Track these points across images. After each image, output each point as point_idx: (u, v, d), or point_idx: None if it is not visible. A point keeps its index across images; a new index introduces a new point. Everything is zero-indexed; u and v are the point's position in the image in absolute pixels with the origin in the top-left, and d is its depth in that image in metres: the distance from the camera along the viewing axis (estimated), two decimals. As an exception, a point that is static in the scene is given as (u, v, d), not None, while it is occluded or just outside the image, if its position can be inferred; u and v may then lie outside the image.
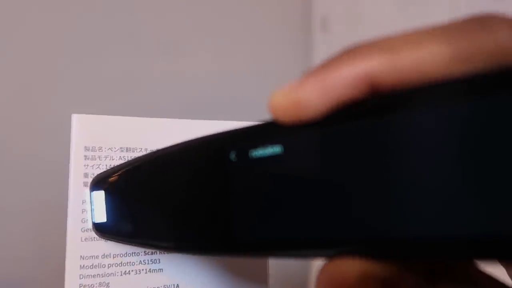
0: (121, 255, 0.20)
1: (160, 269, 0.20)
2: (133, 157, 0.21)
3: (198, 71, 0.51)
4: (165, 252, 0.21)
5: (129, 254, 0.20)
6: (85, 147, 0.20)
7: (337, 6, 0.57)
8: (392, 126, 0.10)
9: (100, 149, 0.20)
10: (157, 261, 0.20)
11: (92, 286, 0.19)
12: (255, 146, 0.12)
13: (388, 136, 0.10)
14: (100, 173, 0.20)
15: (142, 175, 0.18)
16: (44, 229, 0.40)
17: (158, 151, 0.17)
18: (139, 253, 0.20)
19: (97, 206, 0.20)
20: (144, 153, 0.21)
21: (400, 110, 0.10)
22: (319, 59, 0.58)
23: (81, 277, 0.19)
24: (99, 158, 0.20)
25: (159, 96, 0.48)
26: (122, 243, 0.20)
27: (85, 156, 0.20)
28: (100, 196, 0.20)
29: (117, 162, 0.21)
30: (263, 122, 0.13)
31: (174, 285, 0.21)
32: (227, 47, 0.54)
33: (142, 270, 0.20)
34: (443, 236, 0.09)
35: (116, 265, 0.20)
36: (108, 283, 0.19)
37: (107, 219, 0.19)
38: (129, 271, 0.20)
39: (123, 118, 0.21)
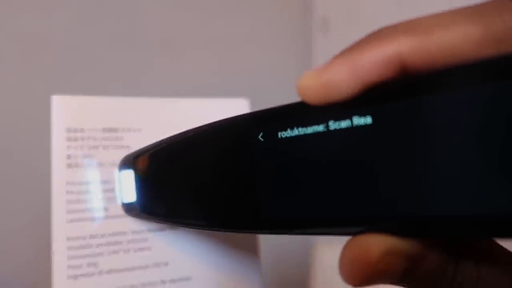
0: (109, 235, 0.20)
1: (148, 248, 0.21)
2: (116, 137, 0.21)
3: (197, 71, 0.50)
4: (154, 232, 0.21)
5: (117, 234, 0.20)
6: (67, 128, 0.20)
7: (337, 6, 0.56)
8: (423, 108, 0.10)
9: (82, 130, 0.20)
10: (145, 240, 0.21)
11: (81, 266, 0.19)
12: (284, 127, 0.12)
13: (418, 118, 0.10)
14: (128, 154, 0.20)
15: (172, 155, 0.18)
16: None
17: (187, 131, 0.17)
18: (126, 232, 0.20)
19: (125, 185, 0.20)
20: (127, 133, 0.21)
21: (431, 91, 0.10)
22: (319, 59, 0.58)
23: (69, 258, 0.19)
24: (82, 139, 0.20)
25: (157, 95, 0.48)
26: (152, 221, 0.20)
27: (67, 137, 0.20)
28: (129, 175, 0.20)
29: (100, 142, 0.20)
30: (291, 104, 0.13)
31: (163, 262, 0.21)
32: (227, 47, 0.53)
33: (131, 249, 0.20)
34: (466, 215, 0.09)
35: (104, 245, 0.20)
36: (97, 262, 0.20)
37: (136, 199, 0.19)
38: (117, 250, 0.20)
39: (104, 98, 0.21)
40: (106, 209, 0.20)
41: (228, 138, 0.15)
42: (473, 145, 0.09)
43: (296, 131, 0.12)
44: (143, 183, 0.19)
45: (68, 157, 0.20)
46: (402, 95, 0.10)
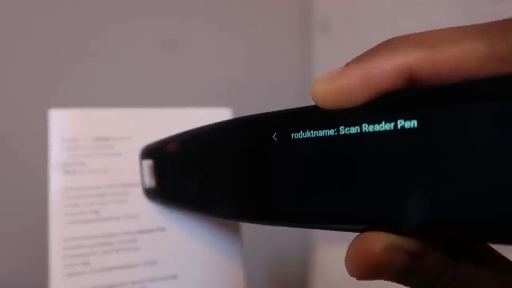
0: (100, 236, 0.22)
1: (137, 248, 0.22)
2: (107, 146, 0.23)
3: (197, 72, 0.51)
4: (143, 233, 0.22)
5: (107, 235, 0.22)
6: (63, 139, 0.22)
7: (337, 6, 0.56)
8: (436, 119, 0.10)
9: (77, 140, 0.22)
10: (135, 241, 0.22)
11: (75, 265, 0.21)
12: (296, 129, 0.13)
13: (430, 128, 0.10)
14: (150, 143, 0.22)
15: (191, 147, 0.19)
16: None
17: (207, 125, 0.18)
18: (116, 234, 0.22)
19: (147, 173, 0.22)
20: (118, 141, 0.23)
21: (441, 105, 0.10)
22: (319, 60, 0.57)
23: (65, 257, 0.21)
24: (76, 148, 0.22)
25: (158, 96, 0.49)
26: (169, 207, 0.22)
27: (64, 147, 0.22)
28: (151, 163, 0.22)
29: (93, 151, 0.22)
30: (305, 107, 0.14)
31: (151, 261, 0.22)
32: (227, 47, 0.53)
33: (121, 249, 0.22)
34: (467, 219, 0.10)
35: (96, 245, 0.22)
36: (89, 261, 0.21)
37: (156, 186, 0.21)
38: (108, 250, 0.22)
39: (95, 110, 0.23)
40: (96, 212, 0.22)
41: (246, 134, 0.16)
42: (474, 157, 0.10)
43: (308, 133, 0.13)
44: (161, 171, 0.21)
45: (65, 164, 0.22)
46: (413, 105, 0.11)
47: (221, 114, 0.24)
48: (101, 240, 0.22)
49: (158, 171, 0.21)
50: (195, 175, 0.19)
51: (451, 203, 0.10)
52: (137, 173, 0.23)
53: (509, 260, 0.13)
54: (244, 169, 0.16)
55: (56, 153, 0.22)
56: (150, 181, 0.22)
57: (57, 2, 0.44)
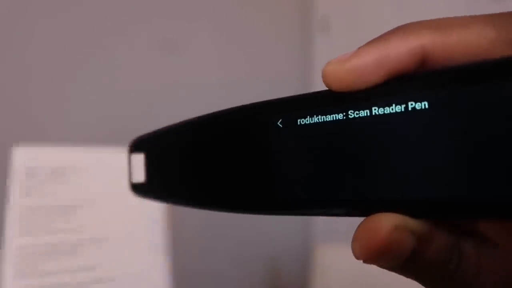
0: (49, 245, 0.27)
1: (80, 254, 0.29)
2: (61, 177, 0.28)
3: (197, 72, 0.50)
4: (85, 241, 0.27)
5: (55, 244, 0.27)
6: (26, 167, 0.28)
7: (337, 6, 0.57)
8: (449, 100, 0.10)
9: (37, 169, 0.28)
10: (76, 248, 0.29)
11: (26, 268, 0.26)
12: (303, 114, 0.13)
13: (443, 109, 0.10)
14: (140, 136, 0.21)
15: (187, 137, 0.18)
16: None
17: (205, 115, 0.18)
18: (60, 243, 0.27)
19: (135, 167, 0.20)
20: (69, 172, 0.29)
21: (454, 85, 0.10)
22: (320, 59, 0.58)
23: (16, 263, 0.25)
24: (37, 175, 0.28)
25: (158, 97, 0.48)
26: (161, 202, 0.21)
27: (27, 174, 0.28)
28: (139, 158, 0.20)
29: (48, 182, 0.28)
30: (312, 93, 0.13)
31: (91, 267, 0.28)
32: (227, 47, 0.53)
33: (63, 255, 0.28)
34: (471, 198, 0.10)
35: (44, 253, 0.27)
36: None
37: (146, 180, 0.20)
38: (54, 257, 0.27)
39: (52, 148, 0.29)
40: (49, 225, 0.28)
41: (247, 122, 0.15)
42: (483, 138, 0.10)
43: (316, 119, 0.13)
44: (154, 164, 0.20)
45: (27, 188, 0.28)
46: (424, 86, 0.11)
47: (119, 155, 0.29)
48: (47, 248, 0.26)
49: (151, 165, 0.20)
50: (194, 166, 0.18)
51: (463, 183, 0.10)
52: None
53: None
54: (248, 158, 0.15)
55: (20, 178, 0.28)
56: (139, 176, 0.20)
57: (57, 1, 0.43)
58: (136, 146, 0.21)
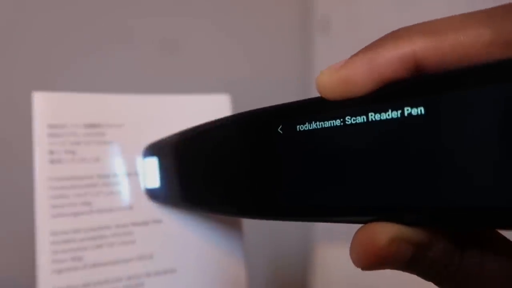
0: (93, 229, 0.20)
1: (132, 241, 0.21)
2: (98, 133, 0.21)
3: (197, 72, 0.51)
4: (138, 225, 0.21)
5: (101, 228, 0.20)
6: (49, 124, 0.20)
7: (337, 6, 0.57)
8: (441, 105, 0.10)
9: (64, 126, 0.20)
10: (130, 234, 0.21)
11: (65, 260, 0.19)
12: (302, 121, 0.13)
13: (436, 115, 0.10)
14: (154, 141, 0.21)
15: (196, 144, 0.19)
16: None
17: (212, 121, 0.18)
18: (110, 226, 0.20)
19: (149, 172, 0.21)
20: (109, 128, 0.21)
21: (446, 90, 0.10)
22: (320, 59, 0.58)
23: (53, 253, 0.19)
24: (64, 135, 0.20)
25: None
26: (173, 206, 0.21)
27: (49, 133, 0.20)
28: (152, 162, 0.21)
29: (82, 138, 0.21)
30: (310, 99, 0.13)
31: (147, 255, 0.21)
32: (227, 47, 0.53)
33: (115, 242, 0.20)
34: (472, 206, 0.10)
35: (88, 239, 0.20)
36: (81, 256, 0.20)
37: (160, 185, 0.20)
38: (101, 244, 0.20)
39: (85, 95, 0.21)
40: (89, 203, 0.20)
41: (250, 129, 0.15)
42: (481, 143, 0.09)
43: (314, 125, 0.13)
44: (169, 170, 0.20)
45: (51, 152, 0.20)
46: (420, 92, 0.11)
47: (220, 101, 0.23)
48: (93, 233, 0.20)
49: (162, 170, 0.20)
50: (200, 172, 0.18)
51: (460, 192, 0.10)
52: (130, 162, 0.22)
53: None
54: (250, 164, 0.15)
55: (41, 140, 0.20)
56: (153, 181, 0.21)
57: (57, 1, 0.43)
58: (150, 151, 0.21)
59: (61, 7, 0.43)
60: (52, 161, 0.20)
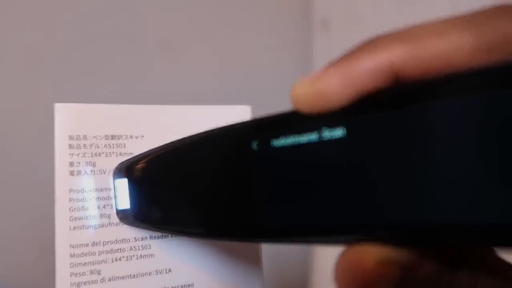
0: (111, 242, 0.20)
1: (151, 255, 0.21)
2: (118, 145, 0.21)
3: (197, 71, 0.50)
4: (157, 239, 0.21)
5: (119, 241, 0.20)
6: (69, 136, 0.20)
7: (337, 6, 0.56)
8: (416, 115, 0.10)
9: (85, 137, 0.20)
10: (148, 247, 0.21)
11: (84, 273, 0.19)
12: (277, 135, 0.13)
13: (411, 126, 0.10)
14: (123, 161, 0.20)
15: (166, 163, 0.18)
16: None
17: (183, 139, 0.17)
18: (129, 239, 0.20)
19: (120, 193, 0.20)
20: (130, 140, 0.21)
21: (423, 100, 0.10)
22: (319, 59, 0.57)
23: (72, 265, 0.19)
24: (84, 146, 0.20)
25: (157, 96, 0.47)
26: (145, 229, 0.20)
27: (70, 145, 0.20)
28: (123, 183, 0.20)
29: (102, 150, 0.20)
30: (285, 112, 0.13)
31: (166, 269, 0.21)
32: (227, 47, 0.52)
33: (133, 256, 0.20)
34: (461, 223, 0.09)
35: (107, 252, 0.20)
36: (100, 270, 0.20)
37: (130, 206, 0.20)
38: (120, 257, 0.20)
39: (106, 105, 0.21)
40: (108, 216, 0.20)
41: (223, 146, 0.15)
42: (464, 155, 0.09)
43: (290, 140, 0.12)
44: (137, 190, 0.19)
45: (71, 164, 0.20)
46: (394, 103, 0.10)
47: (240, 112, 0.22)
48: (111, 246, 0.20)
49: (132, 191, 0.20)
50: (169, 192, 0.18)
51: (444, 208, 0.09)
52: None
53: (509, 264, 0.12)
54: (223, 184, 0.15)
55: (61, 151, 0.20)
56: (124, 202, 0.20)
57: (58, 1, 0.42)
58: (119, 171, 0.20)
59: (61, 7, 0.42)
60: (72, 173, 0.20)
